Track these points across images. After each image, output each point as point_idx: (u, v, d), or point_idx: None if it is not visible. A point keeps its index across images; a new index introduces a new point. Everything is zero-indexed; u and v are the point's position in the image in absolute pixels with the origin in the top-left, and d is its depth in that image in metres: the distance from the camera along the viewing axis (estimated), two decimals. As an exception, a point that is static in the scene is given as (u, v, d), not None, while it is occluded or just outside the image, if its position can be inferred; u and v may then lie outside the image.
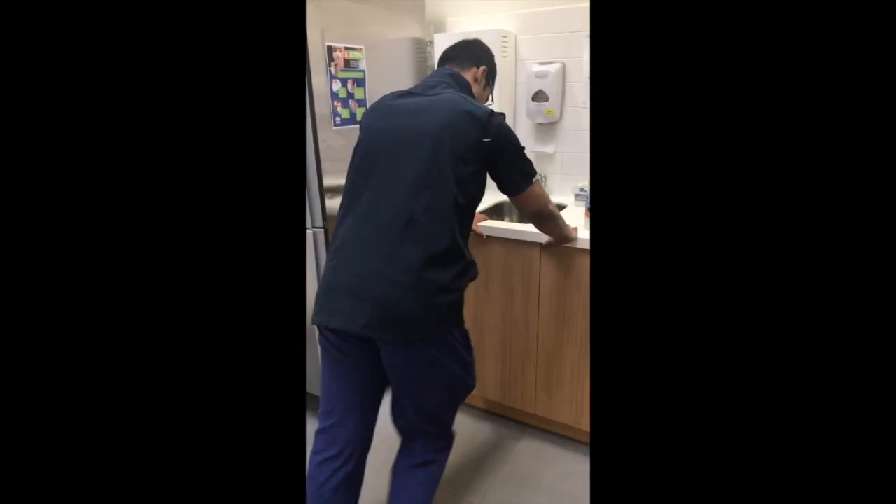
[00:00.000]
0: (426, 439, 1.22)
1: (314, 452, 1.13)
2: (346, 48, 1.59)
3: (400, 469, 1.22)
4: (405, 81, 1.86)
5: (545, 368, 1.65)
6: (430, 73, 1.26)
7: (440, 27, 2.07)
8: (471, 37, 1.34)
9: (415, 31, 1.91)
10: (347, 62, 1.60)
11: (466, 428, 1.83)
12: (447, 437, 1.26)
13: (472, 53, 1.25)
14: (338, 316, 1.00)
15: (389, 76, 1.78)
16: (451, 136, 1.02)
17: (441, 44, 1.88)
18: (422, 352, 1.03)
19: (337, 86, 1.57)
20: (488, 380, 1.79)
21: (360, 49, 1.64)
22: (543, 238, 1.47)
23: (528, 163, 1.16)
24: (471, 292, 1.72)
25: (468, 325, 1.75)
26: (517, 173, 1.14)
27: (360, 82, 1.66)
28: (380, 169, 1.05)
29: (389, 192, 1.02)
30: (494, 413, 1.89)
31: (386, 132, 1.08)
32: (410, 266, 0.98)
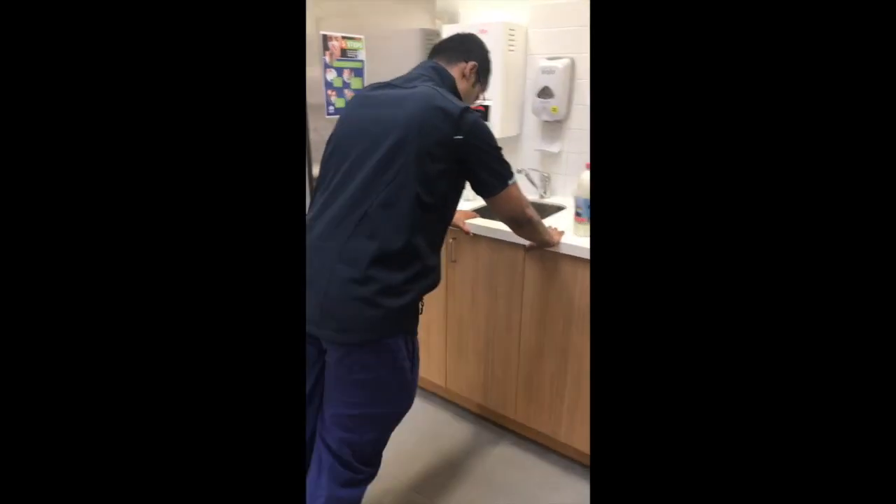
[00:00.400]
0: (335, 468, 1.05)
1: None
2: (344, 37, 1.58)
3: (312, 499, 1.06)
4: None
5: (525, 374, 1.61)
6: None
7: (453, 18, 2.02)
8: (476, 28, 1.28)
9: (424, 22, 1.88)
10: (344, 51, 1.59)
11: (445, 427, 1.81)
12: (362, 471, 1.08)
13: (463, 48, 1.19)
14: None
15: (394, 67, 1.74)
16: (419, 132, 0.98)
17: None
18: (358, 354, 0.99)
19: (332, 75, 1.57)
20: (471, 380, 1.76)
21: (360, 39, 1.62)
22: (527, 241, 1.42)
23: (504, 164, 1.10)
24: (458, 289, 1.69)
25: (455, 320, 1.73)
26: (490, 174, 1.08)
27: (358, 72, 1.65)
28: (347, 161, 1.03)
29: (350, 185, 1.00)
30: (475, 413, 1.86)
31: (357, 124, 1.06)
32: (358, 262, 0.95)
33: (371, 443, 1.08)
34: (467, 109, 1.02)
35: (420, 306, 1.07)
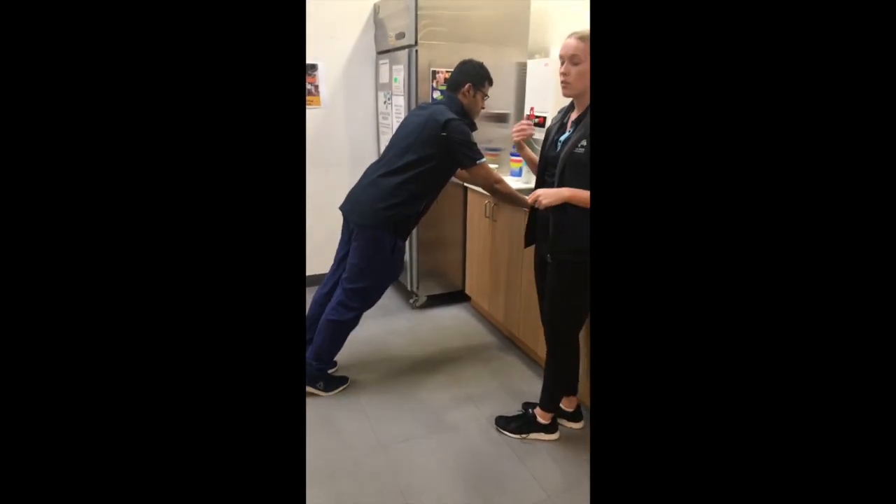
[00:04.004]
0: (341, 296, 1.96)
1: None
2: (447, 71, 2.51)
3: (326, 311, 2.00)
4: (502, 95, 2.65)
5: (524, 306, 2.28)
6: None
7: (546, 52, 2.74)
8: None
9: (520, 57, 2.67)
10: (447, 80, 2.52)
11: (481, 334, 2.59)
12: (355, 302, 1.96)
13: (458, 78, 1.99)
14: (344, 205, 2.03)
15: (492, 94, 2.60)
16: (421, 130, 1.91)
17: (531, 69, 2.59)
18: (362, 233, 1.94)
19: (437, 94, 2.53)
20: (500, 306, 2.50)
21: (459, 71, 2.53)
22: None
23: (474, 151, 1.92)
24: (498, 240, 2.45)
25: (494, 263, 2.63)
26: (463, 157, 1.92)
27: (457, 93, 2.56)
28: (394, 143, 2.01)
29: (387, 155, 1.99)
30: (501, 332, 2.58)
31: (403, 124, 2.04)
32: (374, 191, 1.92)
33: (361, 289, 1.98)
34: (451, 119, 1.87)
35: (409, 226, 1.97)
